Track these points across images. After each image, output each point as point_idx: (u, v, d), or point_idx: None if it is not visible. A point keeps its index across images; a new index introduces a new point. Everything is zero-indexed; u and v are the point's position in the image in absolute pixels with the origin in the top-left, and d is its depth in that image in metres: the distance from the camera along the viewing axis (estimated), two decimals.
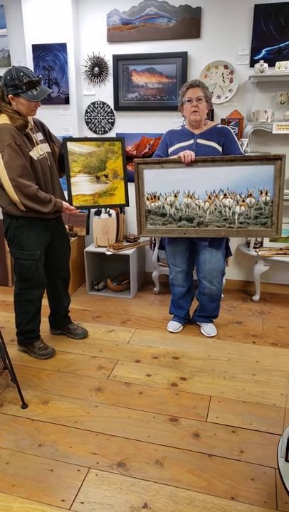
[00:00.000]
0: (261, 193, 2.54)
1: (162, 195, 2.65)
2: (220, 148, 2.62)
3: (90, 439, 2.06)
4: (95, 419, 2.20)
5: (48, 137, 2.60)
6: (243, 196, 2.56)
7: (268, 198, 2.54)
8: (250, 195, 2.55)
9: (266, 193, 2.53)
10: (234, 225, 2.62)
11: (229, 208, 2.59)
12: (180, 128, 2.75)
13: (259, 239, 3.52)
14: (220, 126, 2.71)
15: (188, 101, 2.58)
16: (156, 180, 2.63)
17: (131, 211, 3.69)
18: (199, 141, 2.63)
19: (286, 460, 1.55)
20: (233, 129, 3.28)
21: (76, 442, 2.04)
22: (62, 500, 1.72)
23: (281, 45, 3.11)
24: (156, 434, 2.08)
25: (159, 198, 2.66)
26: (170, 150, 2.71)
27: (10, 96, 2.28)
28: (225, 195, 2.58)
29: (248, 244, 3.56)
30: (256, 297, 3.56)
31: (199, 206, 2.62)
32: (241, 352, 2.79)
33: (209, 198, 2.60)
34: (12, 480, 1.83)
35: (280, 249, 3.43)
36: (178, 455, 1.95)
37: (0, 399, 2.35)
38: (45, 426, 2.15)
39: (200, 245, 2.78)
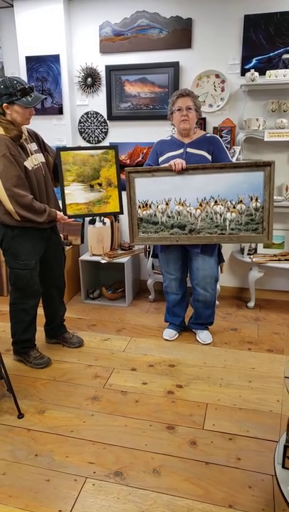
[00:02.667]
0: (251, 199, 2.57)
1: (154, 203, 2.67)
2: (209, 157, 2.65)
3: (87, 448, 2.05)
4: (92, 428, 2.19)
5: (42, 147, 2.62)
6: (233, 203, 2.59)
7: (258, 204, 2.57)
8: (241, 201, 2.58)
9: (256, 199, 2.56)
10: (226, 232, 2.64)
11: (220, 215, 2.62)
12: (169, 138, 2.78)
13: (253, 245, 3.55)
14: (209, 135, 2.75)
15: (178, 110, 2.61)
16: (148, 188, 2.65)
17: (125, 219, 3.70)
18: (189, 150, 2.66)
19: (283, 467, 1.55)
20: (225, 137, 3.32)
21: (73, 452, 2.03)
22: (60, 511, 1.71)
23: (271, 54, 3.16)
24: (152, 443, 2.07)
25: (150, 206, 2.68)
26: (160, 159, 2.73)
27: (4, 105, 2.30)
28: (216, 202, 2.60)
29: (242, 250, 3.57)
30: (251, 304, 3.57)
31: (191, 213, 2.64)
32: (237, 359, 2.80)
33: (200, 205, 2.62)
34: (9, 491, 1.81)
35: (274, 255, 3.45)
36: (175, 463, 1.95)
37: None
38: (41, 436, 2.14)
39: (193, 252, 2.80)
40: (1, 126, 2.33)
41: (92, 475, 1.89)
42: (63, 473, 1.90)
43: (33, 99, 2.34)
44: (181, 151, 2.66)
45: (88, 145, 3.75)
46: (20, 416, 2.27)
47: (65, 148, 2.68)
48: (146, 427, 2.18)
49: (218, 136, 2.77)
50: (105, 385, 2.54)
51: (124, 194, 2.70)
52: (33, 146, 2.51)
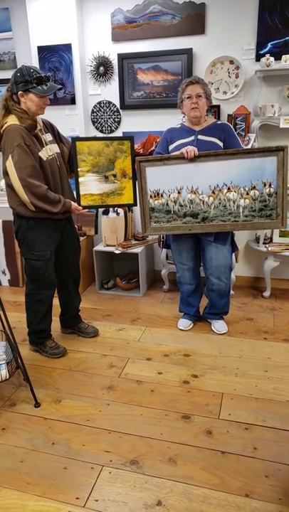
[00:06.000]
0: (265, 185, 2.53)
1: (165, 192, 2.64)
2: (221, 144, 2.62)
3: (103, 437, 2.07)
4: (107, 417, 2.20)
5: (57, 138, 2.61)
6: (246, 189, 2.56)
7: (272, 190, 2.53)
8: (254, 187, 2.54)
9: (270, 185, 2.52)
10: (239, 219, 2.61)
11: (234, 202, 2.59)
12: (179, 125, 2.74)
13: (268, 234, 3.50)
14: (220, 122, 2.71)
15: (188, 98, 2.58)
16: (159, 177, 2.62)
17: (139, 210, 3.68)
18: (200, 137, 2.62)
19: None
20: (239, 124, 3.26)
21: (89, 440, 2.05)
22: (77, 498, 1.74)
23: (287, 38, 3.08)
24: (168, 432, 2.08)
25: (162, 196, 2.65)
26: (171, 147, 2.70)
27: (20, 93, 2.29)
28: (229, 188, 2.57)
29: (257, 240, 3.54)
30: (267, 293, 3.54)
31: (203, 201, 2.61)
32: (253, 348, 2.78)
33: (213, 192, 2.59)
34: (27, 478, 1.84)
35: None
36: (191, 452, 1.95)
37: (13, 398, 2.37)
38: (58, 424, 2.16)
39: (205, 241, 2.77)
40: (16, 115, 2.32)
41: (108, 463, 1.91)
42: (80, 461, 1.92)
43: (49, 88, 2.33)
44: (192, 138, 2.63)
45: (101, 135, 3.73)
46: (37, 405, 2.29)
47: (80, 138, 2.66)
48: (162, 417, 2.19)
49: (229, 124, 2.72)
50: (121, 375, 2.55)
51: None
52: (48, 137, 2.50)
